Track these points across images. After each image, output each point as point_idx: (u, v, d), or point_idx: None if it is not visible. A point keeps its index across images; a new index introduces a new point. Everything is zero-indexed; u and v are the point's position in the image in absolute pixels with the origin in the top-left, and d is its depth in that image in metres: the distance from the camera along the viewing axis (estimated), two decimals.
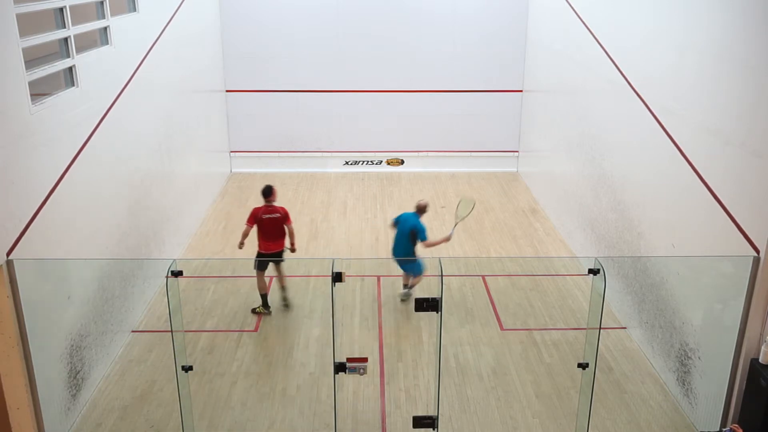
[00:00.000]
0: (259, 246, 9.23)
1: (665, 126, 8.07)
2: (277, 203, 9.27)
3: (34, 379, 6.46)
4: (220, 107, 14.75)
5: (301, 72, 14.93)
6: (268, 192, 9.18)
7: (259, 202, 9.32)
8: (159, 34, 10.40)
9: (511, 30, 14.71)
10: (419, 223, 9.32)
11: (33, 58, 6.81)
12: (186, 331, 8.67)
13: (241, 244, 9.20)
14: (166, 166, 10.69)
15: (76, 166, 7.36)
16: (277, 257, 9.29)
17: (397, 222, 9.56)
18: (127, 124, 8.98)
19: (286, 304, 9.49)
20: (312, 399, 7.63)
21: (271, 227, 9.12)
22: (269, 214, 9.09)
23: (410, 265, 9.46)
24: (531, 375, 8.05)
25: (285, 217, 9.17)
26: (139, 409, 7.45)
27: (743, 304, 6.49)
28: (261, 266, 9.27)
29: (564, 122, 12.04)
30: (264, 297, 9.36)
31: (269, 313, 9.35)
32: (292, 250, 9.34)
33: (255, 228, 9.12)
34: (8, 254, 6.06)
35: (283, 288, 9.49)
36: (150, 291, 9.63)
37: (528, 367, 8.20)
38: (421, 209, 9.48)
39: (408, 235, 9.29)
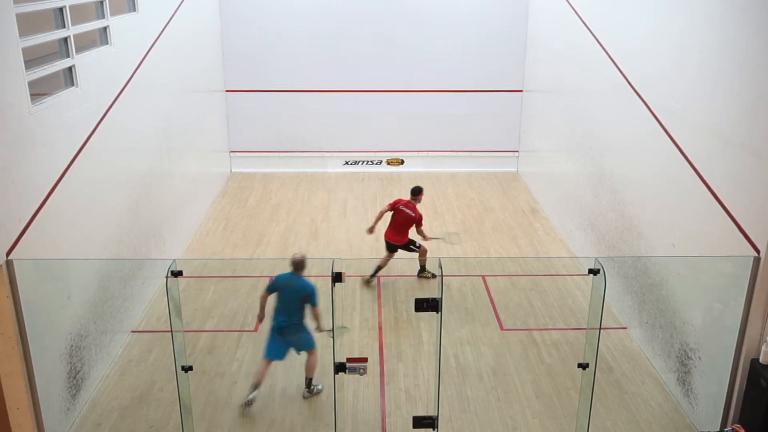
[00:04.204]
0: (385, 232, 10.23)
1: (665, 126, 8.06)
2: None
3: (34, 380, 6.46)
4: (220, 107, 14.75)
5: (301, 72, 14.92)
6: (416, 191, 10.14)
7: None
8: (159, 34, 10.40)
9: (511, 30, 14.70)
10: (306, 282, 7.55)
11: (33, 58, 6.81)
12: (186, 331, 8.66)
13: (371, 230, 10.23)
14: (166, 166, 10.69)
15: (76, 166, 7.36)
16: (397, 247, 10.17)
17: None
18: (127, 124, 8.97)
19: (370, 278, 10.18)
20: (312, 399, 7.62)
21: (399, 219, 10.01)
22: (404, 207, 10.01)
23: None
24: (531, 375, 8.05)
25: (417, 220, 10.00)
26: (139, 409, 7.45)
27: (743, 304, 6.49)
28: (390, 249, 10.25)
29: (564, 122, 12.04)
30: (378, 268, 10.18)
31: (370, 282, 10.16)
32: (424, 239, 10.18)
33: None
34: (8, 254, 6.06)
35: (379, 267, 10.20)
36: (150, 291, 9.63)
37: (528, 367, 8.20)
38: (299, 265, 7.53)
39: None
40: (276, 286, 7.45)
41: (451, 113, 15.29)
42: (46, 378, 6.65)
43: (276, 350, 7.50)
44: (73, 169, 7.28)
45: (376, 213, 11.30)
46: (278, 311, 7.45)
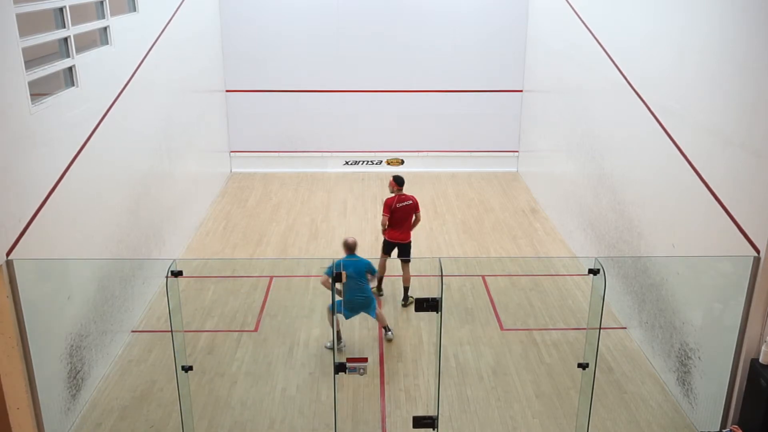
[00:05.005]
0: (387, 234, 9.63)
1: (665, 126, 8.07)
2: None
3: (34, 380, 6.46)
4: (220, 107, 14.75)
5: (301, 72, 14.93)
6: (401, 181, 9.60)
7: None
8: (159, 34, 10.40)
9: (511, 30, 14.71)
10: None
11: (33, 58, 6.81)
12: (186, 331, 8.66)
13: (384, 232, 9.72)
14: (166, 166, 10.69)
15: (76, 166, 7.36)
16: (401, 247, 9.65)
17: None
18: (127, 124, 8.97)
19: (405, 303, 9.68)
20: (312, 399, 7.63)
21: (402, 216, 9.50)
22: (401, 202, 9.49)
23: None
24: (531, 375, 8.05)
25: (416, 205, 9.60)
26: (139, 409, 7.45)
27: (743, 304, 6.49)
28: (386, 250, 9.77)
29: (564, 122, 12.04)
30: (379, 280, 9.93)
31: (380, 295, 9.90)
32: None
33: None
34: (8, 254, 6.06)
35: (406, 289, 9.72)
36: (150, 291, 9.63)
37: (528, 367, 8.20)
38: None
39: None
40: (342, 268, 8.10)
41: (451, 113, 15.30)
42: (46, 378, 6.65)
43: (347, 315, 8.44)
44: (73, 169, 7.28)
45: (376, 214, 11.33)
46: (349, 288, 8.23)
